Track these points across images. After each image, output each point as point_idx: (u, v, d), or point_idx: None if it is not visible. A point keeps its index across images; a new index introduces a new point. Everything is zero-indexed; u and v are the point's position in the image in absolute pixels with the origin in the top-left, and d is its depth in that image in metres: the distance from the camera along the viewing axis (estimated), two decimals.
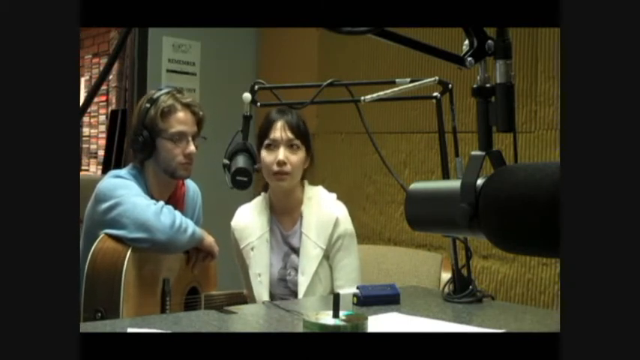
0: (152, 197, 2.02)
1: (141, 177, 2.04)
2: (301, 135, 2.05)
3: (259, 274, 2.06)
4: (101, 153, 4.84)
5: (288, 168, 2.03)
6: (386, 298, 1.75)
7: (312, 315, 1.16)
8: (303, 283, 2.03)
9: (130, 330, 1.39)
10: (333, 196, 2.13)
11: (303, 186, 2.13)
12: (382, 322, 1.53)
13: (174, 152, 2.01)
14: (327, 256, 2.06)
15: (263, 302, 1.94)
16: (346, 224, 2.08)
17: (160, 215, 1.85)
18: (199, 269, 2.07)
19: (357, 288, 1.77)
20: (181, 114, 2.02)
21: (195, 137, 2.05)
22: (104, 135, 4.70)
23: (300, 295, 2.02)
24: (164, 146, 2.01)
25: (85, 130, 5.21)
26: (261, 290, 2.06)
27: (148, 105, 2.02)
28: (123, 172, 2.04)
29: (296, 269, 2.06)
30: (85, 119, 5.11)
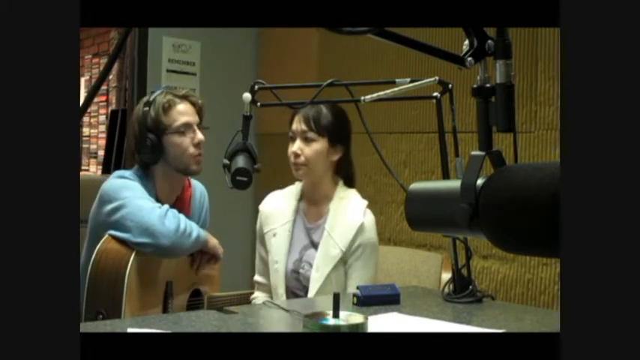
0: (158, 199, 2.01)
1: (147, 178, 2.02)
2: (318, 127, 2.04)
3: (276, 262, 2.06)
4: (101, 153, 4.83)
5: (301, 159, 2.04)
6: (386, 298, 1.75)
7: (312, 315, 1.16)
8: (316, 280, 2.00)
9: (130, 330, 1.39)
10: (365, 202, 2.11)
11: (335, 182, 2.12)
12: (382, 322, 1.53)
13: (183, 145, 1.99)
14: (345, 260, 2.04)
15: (263, 302, 1.94)
16: (370, 233, 2.06)
17: (164, 219, 1.84)
18: (203, 271, 2.06)
19: (357, 288, 1.77)
20: (181, 106, 2.02)
21: (200, 127, 2.05)
22: (104, 135, 4.70)
23: (311, 292, 2.00)
24: (172, 142, 2.00)
25: (85, 130, 5.20)
26: (277, 278, 2.05)
27: (146, 108, 2.01)
28: (128, 172, 2.02)
29: (310, 264, 2.04)
30: (85, 119, 5.11)
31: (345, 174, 2.14)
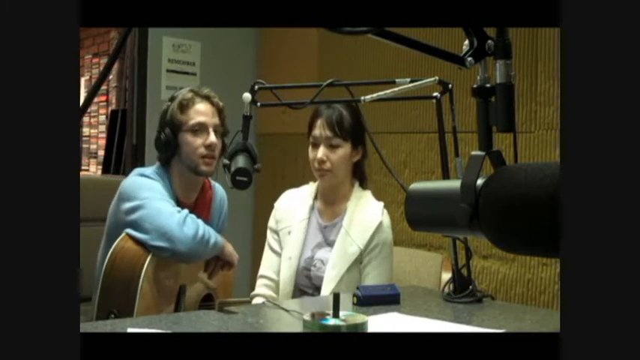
0: (177, 198, 2.00)
1: (167, 177, 2.01)
2: (342, 132, 2.02)
3: (289, 258, 2.06)
4: (101, 153, 4.84)
5: (327, 166, 2.03)
6: (386, 298, 1.75)
7: (312, 315, 1.16)
8: (331, 279, 1.98)
9: (130, 330, 1.39)
10: (382, 203, 2.11)
11: (352, 183, 2.12)
12: (382, 322, 1.53)
13: (194, 144, 1.98)
14: (361, 260, 2.03)
15: (263, 302, 1.94)
16: (387, 232, 2.06)
17: (183, 226, 1.83)
18: (217, 277, 2.06)
19: (357, 288, 1.77)
20: (200, 105, 2.01)
21: (218, 129, 2.03)
22: (104, 135, 4.70)
23: (326, 291, 1.97)
24: (185, 139, 1.99)
25: (85, 130, 5.21)
26: (288, 275, 2.04)
27: (168, 103, 2.02)
28: (149, 170, 2.01)
29: (322, 261, 2.03)
30: (85, 119, 5.12)
31: (361, 175, 2.15)
